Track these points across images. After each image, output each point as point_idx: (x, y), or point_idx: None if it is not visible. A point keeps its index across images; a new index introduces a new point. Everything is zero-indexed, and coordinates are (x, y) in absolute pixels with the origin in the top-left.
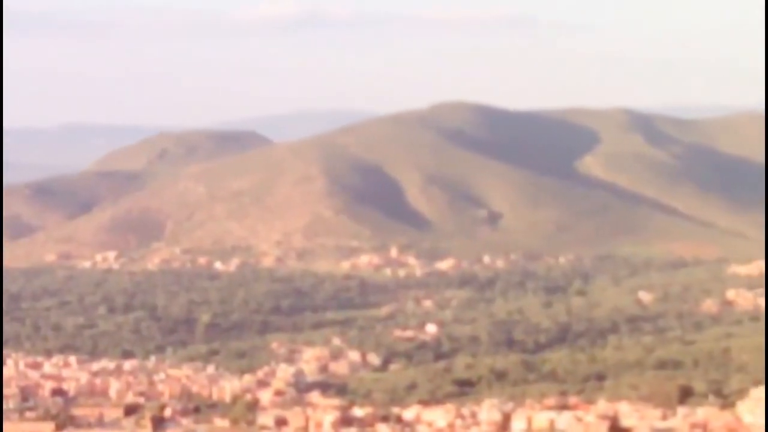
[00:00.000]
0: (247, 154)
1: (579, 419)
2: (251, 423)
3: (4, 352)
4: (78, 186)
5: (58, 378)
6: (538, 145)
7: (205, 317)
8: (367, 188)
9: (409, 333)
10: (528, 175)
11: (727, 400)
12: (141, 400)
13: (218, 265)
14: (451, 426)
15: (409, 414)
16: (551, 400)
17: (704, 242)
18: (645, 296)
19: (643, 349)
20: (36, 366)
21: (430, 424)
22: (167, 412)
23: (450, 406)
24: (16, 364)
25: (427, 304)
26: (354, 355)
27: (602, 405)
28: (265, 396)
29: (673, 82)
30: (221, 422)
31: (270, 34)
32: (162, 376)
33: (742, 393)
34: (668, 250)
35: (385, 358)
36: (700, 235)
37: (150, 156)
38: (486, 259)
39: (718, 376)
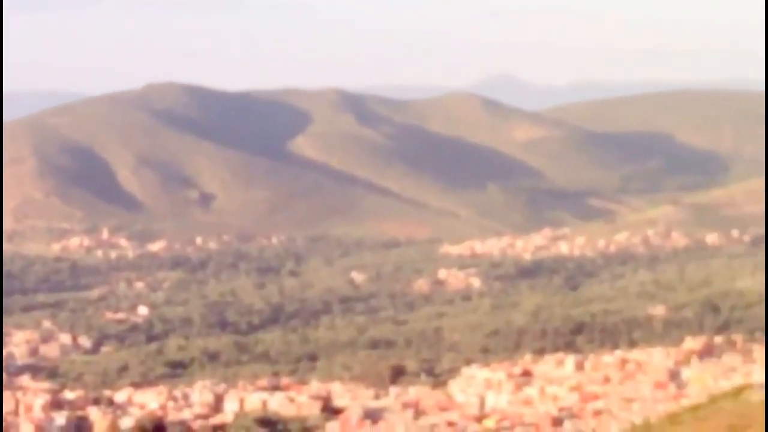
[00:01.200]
0: None
1: (291, 400)
2: None
3: None
4: None
5: None
6: (250, 126)
7: None
8: (79, 170)
9: (120, 315)
10: (240, 156)
11: (438, 379)
12: None
13: None
14: (163, 408)
15: (120, 396)
16: (264, 381)
17: (416, 222)
18: (357, 276)
19: (355, 329)
20: None
21: (142, 407)
22: None
23: (162, 388)
24: None
25: (139, 285)
26: (65, 338)
27: (315, 385)
28: None
29: (384, 63)
30: None
31: None
32: None
33: (453, 372)
34: (381, 231)
35: (97, 340)
36: (412, 215)
37: None
38: (198, 240)
39: (430, 355)
